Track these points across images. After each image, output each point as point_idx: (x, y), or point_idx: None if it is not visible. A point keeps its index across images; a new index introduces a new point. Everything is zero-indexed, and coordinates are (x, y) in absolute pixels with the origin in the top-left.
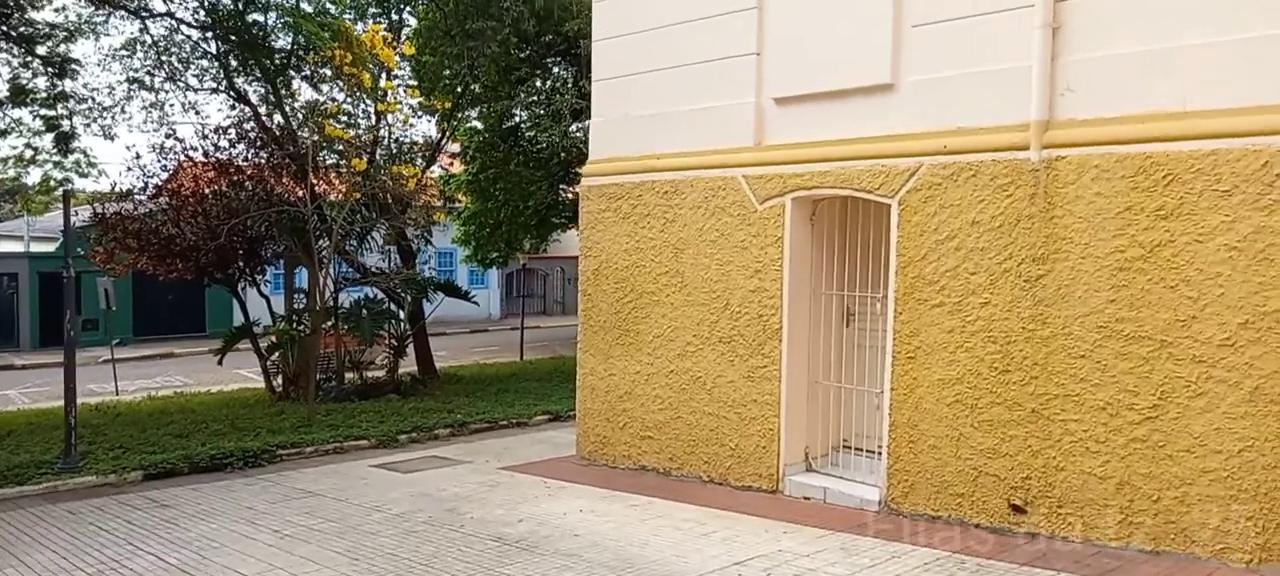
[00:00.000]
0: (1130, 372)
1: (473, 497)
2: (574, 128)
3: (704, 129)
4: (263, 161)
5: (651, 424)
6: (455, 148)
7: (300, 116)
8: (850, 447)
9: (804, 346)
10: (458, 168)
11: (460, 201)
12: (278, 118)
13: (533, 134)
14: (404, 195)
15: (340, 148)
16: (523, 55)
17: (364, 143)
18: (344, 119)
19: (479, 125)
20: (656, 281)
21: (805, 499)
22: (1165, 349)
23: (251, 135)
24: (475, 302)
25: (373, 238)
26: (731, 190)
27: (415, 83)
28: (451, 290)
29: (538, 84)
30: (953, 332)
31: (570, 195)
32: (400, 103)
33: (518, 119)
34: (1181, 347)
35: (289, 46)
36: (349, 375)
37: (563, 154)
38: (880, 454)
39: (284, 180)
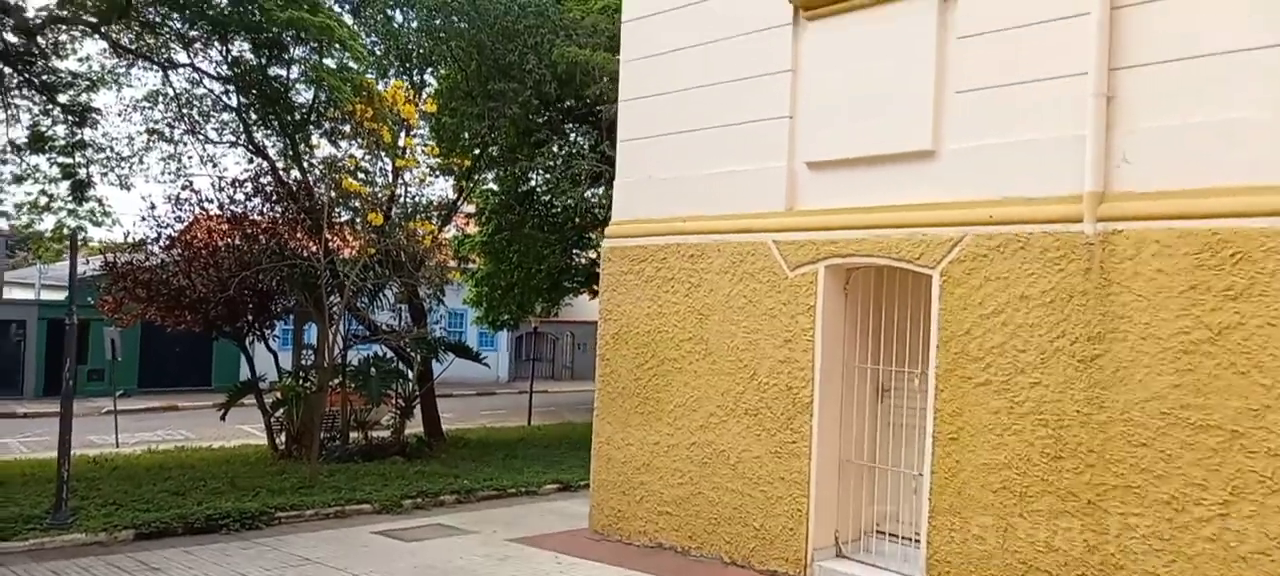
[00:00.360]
0: (1198, 464)
1: (480, 572)
2: (590, 193)
3: (733, 192)
4: (278, 216)
5: (671, 499)
6: (470, 209)
7: (318, 171)
8: (882, 533)
9: (835, 422)
10: (472, 229)
11: (474, 262)
12: (295, 173)
13: (549, 198)
14: (419, 253)
15: (356, 203)
16: (542, 119)
17: (380, 200)
18: (362, 175)
19: (495, 187)
20: (679, 348)
21: None
22: (1236, 440)
23: (268, 189)
24: (487, 364)
25: (384, 295)
26: (761, 256)
27: (434, 142)
28: (463, 351)
29: (556, 149)
30: (999, 414)
31: (583, 260)
32: (418, 161)
33: (533, 183)
34: (1254, 439)
35: (310, 101)
36: (353, 435)
37: (578, 218)
38: (918, 542)
39: (298, 235)
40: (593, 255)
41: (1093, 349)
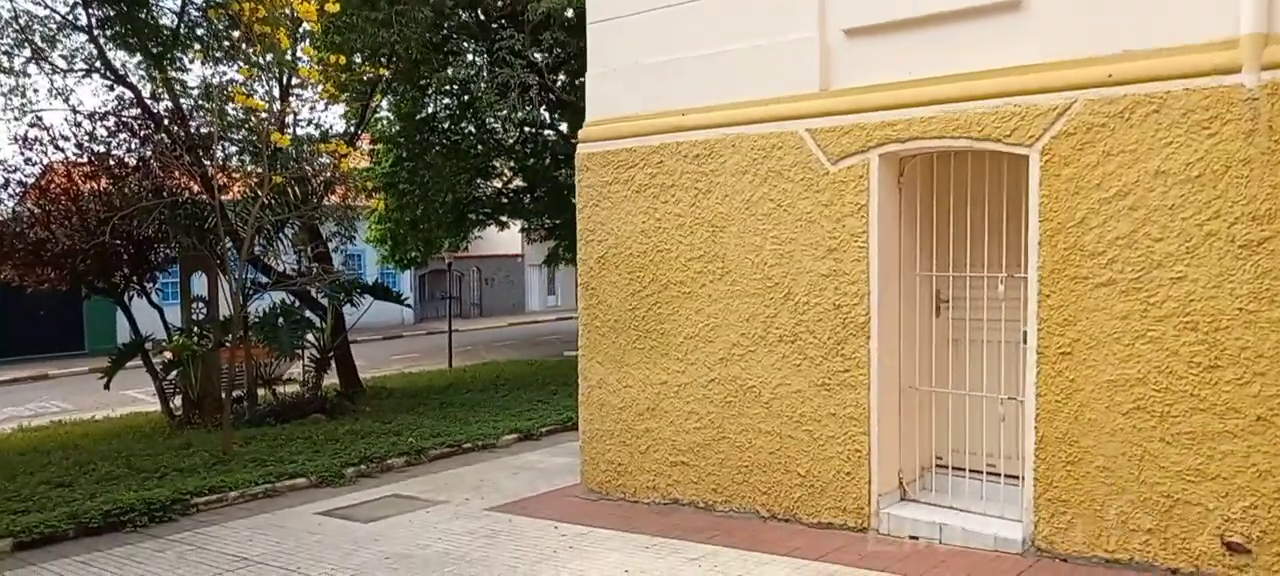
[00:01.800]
0: None
1: (469, 557)
2: (492, 118)
3: (748, 74)
4: (148, 153)
5: (686, 447)
6: (364, 144)
7: (193, 98)
8: (946, 467)
9: (894, 343)
10: (367, 163)
11: (374, 200)
12: (166, 102)
13: (449, 124)
14: (326, 180)
15: (247, 128)
16: (450, 26)
17: (273, 121)
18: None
19: (390, 115)
20: (687, 268)
21: (912, 539)
22: None
23: (134, 123)
24: (409, 304)
25: (284, 237)
26: (791, 148)
27: (330, 54)
28: (383, 293)
29: (467, 61)
30: (1128, 319)
31: (488, 190)
32: (318, 75)
33: (432, 109)
34: None
35: (179, 7)
36: (260, 392)
37: (481, 145)
38: (1000, 476)
39: (175, 174)
40: (497, 185)
41: (1259, 231)
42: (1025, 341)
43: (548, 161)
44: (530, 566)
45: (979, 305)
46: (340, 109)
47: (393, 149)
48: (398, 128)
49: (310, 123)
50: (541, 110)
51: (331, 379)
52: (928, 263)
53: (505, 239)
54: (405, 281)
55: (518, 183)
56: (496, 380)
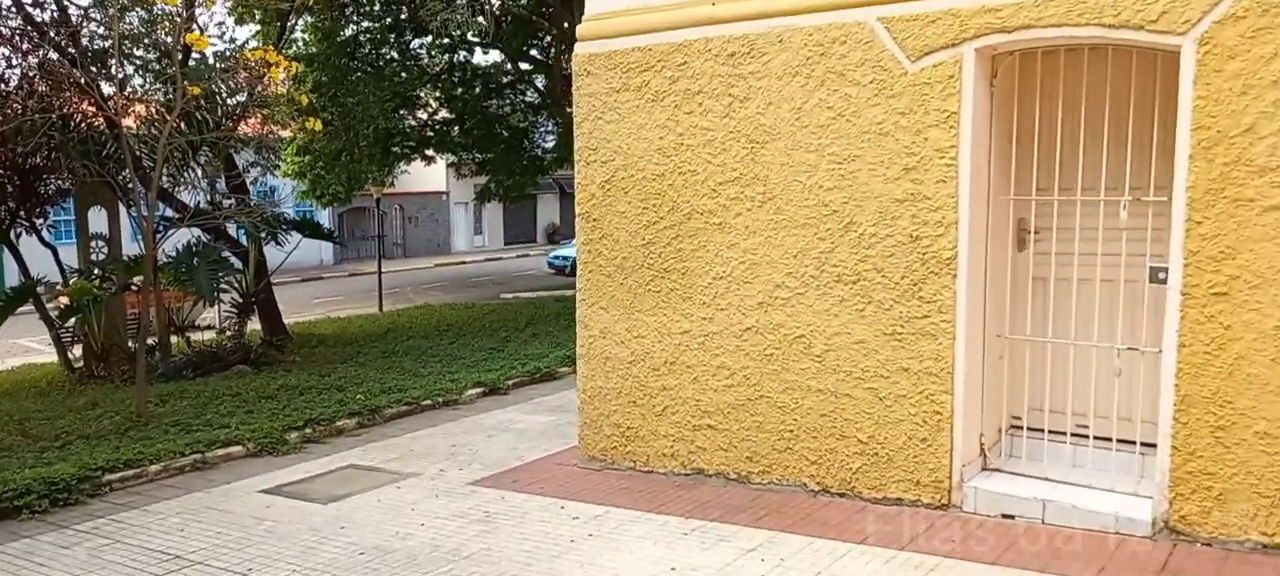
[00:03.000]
0: None
1: (465, 550)
2: (418, 43)
3: None
4: (32, 68)
5: (713, 407)
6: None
7: (81, 6)
8: (1039, 431)
9: (980, 283)
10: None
11: (293, 129)
12: (51, 11)
13: (371, 48)
14: (251, 97)
15: (147, 43)
16: None
17: (183, 25)
18: None
19: (306, 37)
20: (717, 194)
21: (1007, 518)
22: None
23: (12, 33)
24: (340, 242)
25: (195, 164)
26: (858, 43)
27: None
28: (313, 229)
29: None
30: None
31: (411, 122)
32: None
33: (351, 31)
34: None
35: None
36: (173, 341)
37: (403, 72)
38: (1111, 441)
39: (67, 93)
40: (422, 116)
41: None
42: (1155, 279)
43: (477, 90)
44: (548, 563)
45: (1090, 236)
46: (252, 28)
47: (312, 72)
48: (315, 51)
49: (221, 39)
50: (472, 33)
51: (252, 326)
52: (1023, 186)
53: (429, 175)
54: (323, 220)
55: (444, 114)
56: (438, 326)
